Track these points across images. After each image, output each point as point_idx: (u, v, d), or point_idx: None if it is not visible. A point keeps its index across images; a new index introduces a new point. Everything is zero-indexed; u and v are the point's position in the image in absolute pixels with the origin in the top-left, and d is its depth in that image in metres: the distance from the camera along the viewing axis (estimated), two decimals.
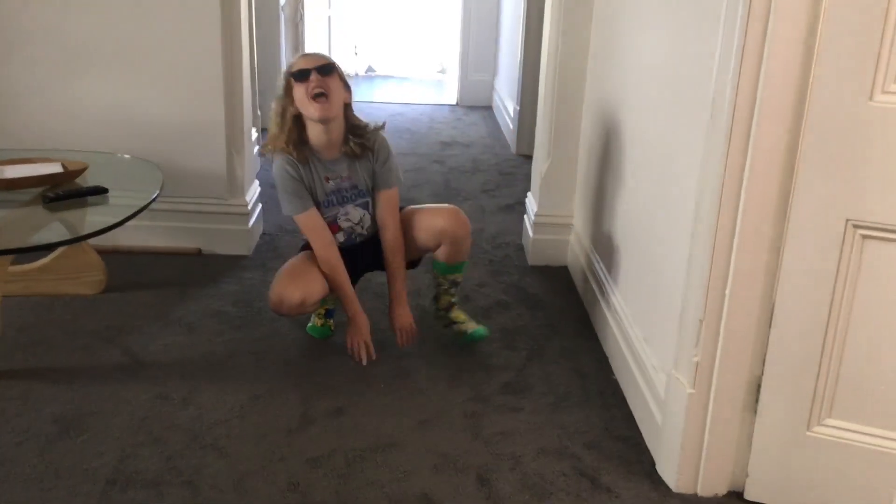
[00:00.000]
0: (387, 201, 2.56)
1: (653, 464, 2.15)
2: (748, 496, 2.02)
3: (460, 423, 2.30)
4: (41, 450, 2.07)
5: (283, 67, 6.03)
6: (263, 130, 4.98)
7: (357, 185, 2.54)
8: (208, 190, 3.33)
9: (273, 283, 2.50)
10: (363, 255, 2.62)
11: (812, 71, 1.73)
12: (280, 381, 2.45)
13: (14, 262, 2.70)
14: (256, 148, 3.93)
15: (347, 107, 2.49)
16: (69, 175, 2.70)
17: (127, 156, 3.09)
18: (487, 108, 6.91)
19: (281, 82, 2.46)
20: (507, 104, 5.93)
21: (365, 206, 2.58)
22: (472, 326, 2.69)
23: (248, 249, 3.40)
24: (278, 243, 3.54)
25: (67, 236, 2.50)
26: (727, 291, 1.90)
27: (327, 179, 2.50)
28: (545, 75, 3.36)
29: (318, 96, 2.37)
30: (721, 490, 2.05)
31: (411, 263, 2.71)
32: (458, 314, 2.70)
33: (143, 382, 2.40)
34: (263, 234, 3.61)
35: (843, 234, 1.79)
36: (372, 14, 8.87)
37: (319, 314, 2.69)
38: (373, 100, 7.21)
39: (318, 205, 2.50)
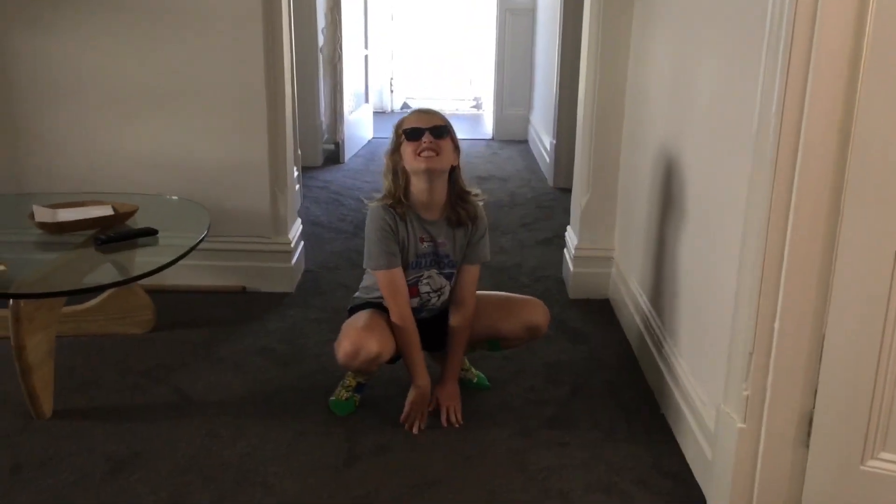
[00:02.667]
0: (471, 277, 2.47)
1: (703, 500, 2.13)
2: None
3: (506, 458, 2.30)
4: (96, 489, 2.10)
5: (323, 106, 6.09)
6: (303, 169, 5.06)
7: (449, 255, 2.43)
8: (252, 229, 3.38)
9: (343, 335, 2.36)
10: (421, 330, 2.45)
11: (856, 102, 1.73)
12: (325, 418, 2.46)
13: (66, 304, 2.76)
14: (297, 186, 3.99)
15: (455, 170, 2.39)
16: (120, 217, 2.77)
17: (175, 197, 3.16)
18: (523, 142, 6.95)
19: (392, 137, 2.39)
20: (543, 138, 5.97)
21: (449, 277, 2.47)
22: (474, 374, 2.70)
23: (291, 287, 3.44)
24: (320, 280, 3.58)
25: (119, 277, 2.56)
26: (776, 325, 1.89)
27: (422, 241, 2.39)
28: (583, 110, 3.38)
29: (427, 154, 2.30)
30: None
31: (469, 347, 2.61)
32: (465, 362, 2.69)
33: (192, 420, 2.43)
34: (306, 271, 3.65)
35: (893, 265, 1.78)
36: (407, 51, 8.99)
37: (348, 387, 2.52)
38: None
39: (405, 265, 2.39)
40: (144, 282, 2.78)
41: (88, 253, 2.63)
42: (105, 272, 2.64)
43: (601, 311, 3.32)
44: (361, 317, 2.41)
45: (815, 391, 1.92)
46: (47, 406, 2.43)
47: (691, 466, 2.27)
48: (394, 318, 2.38)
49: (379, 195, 2.41)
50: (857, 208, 1.77)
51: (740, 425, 1.97)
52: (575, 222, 3.52)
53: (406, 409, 2.43)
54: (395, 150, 2.36)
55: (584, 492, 2.16)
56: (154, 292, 3.11)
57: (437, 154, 2.29)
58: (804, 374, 1.92)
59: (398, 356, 2.46)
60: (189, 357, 2.84)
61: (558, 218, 4.54)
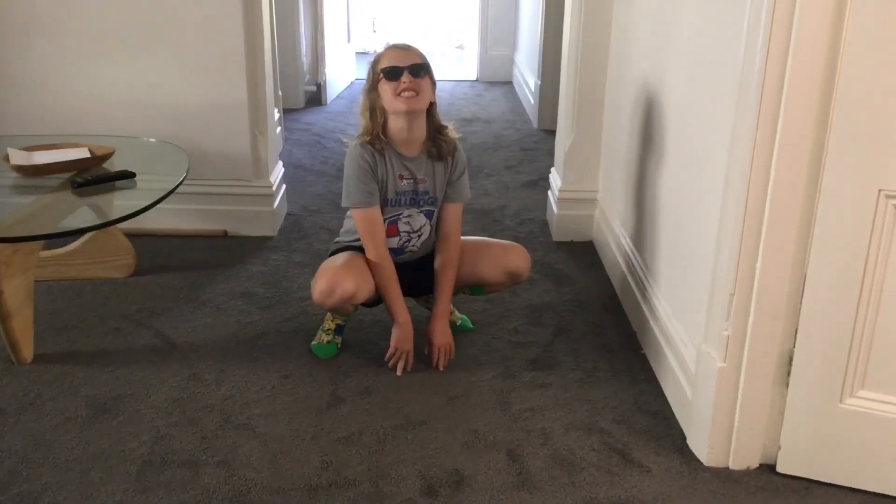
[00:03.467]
0: (454, 214, 2.46)
1: (683, 438, 2.16)
2: (781, 469, 2.02)
3: (489, 399, 2.31)
4: (78, 433, 2.10)
5: (304, 47, 5.95)
6: (284, 111, 4.99)
7: (429, 192, 2.41)
8: (233, 172, 3.34)
9: (319, 273, 2.37)
10: (404, 275, 2.45)
11: (842, 41, 1.70)
12: (308, 361, 2.46)
13: (44, 247, 2.73)
14: (279, 129, 3.93)
15: (432, 105, 2.36)
16: (97, 160, 2.72)
17: (152, 139, 3.11)
18: (507, 84, 6.88)
19: (368, 74, 2.34)
20: (528, 79, 5.90)
21: (429, 216, 2.45)
22: (458, 317, 2.70)
23: (273, 230, 3.42)
24: (303, 224, 3.55)
25: (97, 221, 2.52)
26: (758, 265, 1.89)
27: (401, 178, 2.36)
28: (567, 50, 3.33)
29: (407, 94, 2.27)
30: (753, 463, 2.05)
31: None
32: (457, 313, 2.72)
33: (175, 364, 2.43)
34: (288, 214, 3.62)
35: (875, 204, 1.77)
36: None
37: (328, 330, 2.51)
38: None
39: (384, 202, 2.38)
40: (124, 225, 2.76)
41: (65, 196, 2.59)
42: (83, 215, 2.60)
43: (585, 252, 3.32)
44: (339, 257, 2.40)
45: (796, 330, 1.93)
46: (28, 351, 2.42)
47: (672, 405, 2.29)
48: (370, 256, 2.37)
49: (357, 134, 2.39)
50: (842, 146, 1.76)
51: (720, 364, 1.98)
52: (559, 164, 3.50)
53: (391, 348, 2.43)
54: (373, 88, 2.31)
55: (566, 431, 2.18)
56: (134, 236, 3.07)
57: (417, 94, 2.25)
58: (785, 313, 1.93)
59: (377, 300, 2.46)
60: (171, 301, 2.82)
61: (543, 160, 4.51)
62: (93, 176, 2.64)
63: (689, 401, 2.15)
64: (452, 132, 2.42)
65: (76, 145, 2.79)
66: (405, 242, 2.46)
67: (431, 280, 2.49)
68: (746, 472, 2.03)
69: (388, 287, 2.39)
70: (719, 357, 1.98)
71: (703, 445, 2.06)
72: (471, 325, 2.69)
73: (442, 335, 2.45)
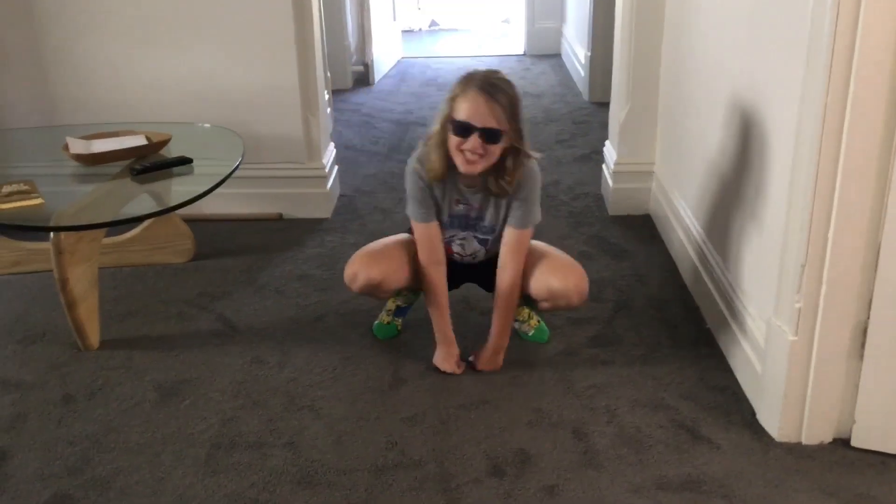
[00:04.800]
0: (515, 241, 2.22)
1: (753, 413, 2.11)
2: (856, 443, 1.97)
3: (552, 377, 2.29)
4: (146, 417, 2.13)
5: (351, 26, 5.91)
6: (334, 92, 4.99)
7: (484, 219, 2.24)
8: (286, 155, 3.35)
9: (353, 257, 2.32)
10: (469, 270, 2.39)
11: None
12: (369, 342, 2.46)
13: (106, 235, 2.76)
14: (329, 110, 3.93)
15: (510, 151, 2.12)
16: (154, 147, 2.75)
17: (207, 125, 3.12)
18: (556, 56, 6.78)
19: (443, 106, 2.11)
20: (577, 51, 5.81)
21: (484, 243, 2.30)
22: (532, 326, 2.46)
23: (327, 212, 3.42)
24: (357, 204, 3.55)
25: (157, 207, 2.55)
26: (830, 235, 1.83)
27: (457, 202, 2.22)
28: (621, 20, 3.26)
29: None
30: (826, 438, 2.00)
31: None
32: (523, 310, 2.45)
33: (238, 347, 2.45)
34: (342, 195, 3.62)
35: None
36: None
37: (389, 311, 2.46)
38: (438, 54, 7.15)
39: (438, 220, 2.25)
40: (181, 211, 2.77)
41: (125, 183, 2.61)
42: (143, 202, 2.62)
43: (642, 226, 3.26)
44: (379, 242, 2.36)
45: (870, 302, 1.87)
46: (94, 337, 2.46)
47: (740, 380, 2.24)
48: (423, 269, 2.25)
49: (423, 142, 2.21)
50: None
51: (792, 338, 1.93)
52: (613, 137, 3.44)
53: (436, 364, 2.30)
54: (443, 123, 2.11)
55: (632, 408, 2.14)
56: (191, 221, 3.10)
57: (482, 157, 2.06)
58: (858, 284, 1.87)
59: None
60: (230, 285, 2.84)
61: (595, 133, 4.45)
62: (151, 163, 2.66)
63: (758, 375, 2.10)
64: (524, 171, 2.17)
65: (133, 133, 2.82)
66: (459, 259, 2.36)
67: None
68: (820, 447, 1.98)
69: (431, 299, 2.28)
70: (791, 330, 1.93)
71: (775, 420, 2.01)
72: (545, 338, 2.46)
73: (490, 363, 2.31)
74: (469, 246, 2.31)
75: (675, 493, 1.84)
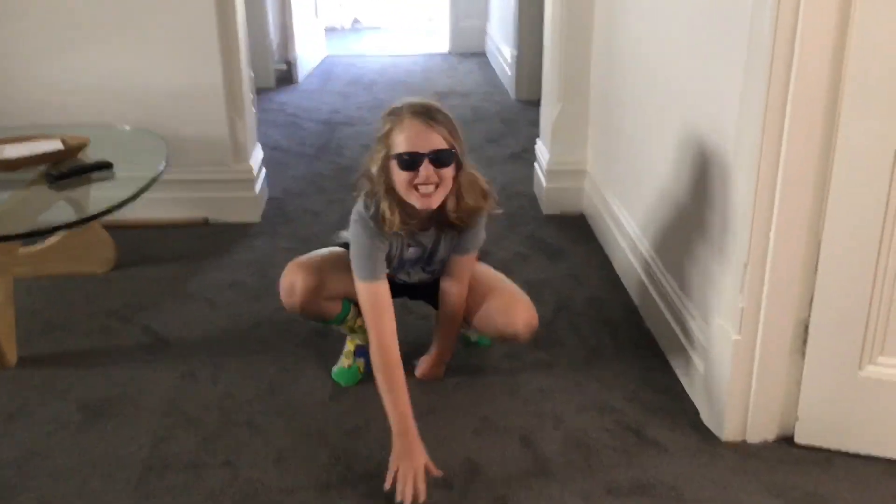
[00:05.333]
0: (460, 267, 2.09)
1: (697, 413, 2.11)
2: (799, 440, 1.98)
3: (496, 383, 2.25)
4: (72, 439, 2.01)
5: (272, 24, 5.76)
6: (257, 91, 4.86)
7: (437, 254, 2.08)
8: (211, 157, 3.23)
9: (287, 268, 2.11)
10: (411, 289, 2.24)
11: None
12: (306, 352, 2.38)
13: (21, 245, 2.61)
14: (254, 110, 3.81)
15: (459, 178, 1.92)
16: (71, 151, 2.60)
17: (127, 127, 2.98)
18: (481, 55, 6.77)
19: (379, 139, 1.89)
20: (502, 49, 5.80)
21: (432, 273, 2.17)
22: (476, 334, 2.40)
23: (256, 216, 3.32)
24: (286, 207, 3.45)
25: (77, 215, 2.40)
26: (772, 234, 1.83)
27: (408, 246, 2.04)
28: (550, 18, 3.24)
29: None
30: (770, 436, 2.01)
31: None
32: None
33: (167, 361, 2.33)
34: (270, 198, 3.52)
35: (892, 166, 1.72)
36: None
37: (348, 352, 2.28)
38: (363, 53, 7.06)
39: (387, 263, 2.03)
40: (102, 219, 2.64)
41: (41, 191, 2.47)
42: (61, 210, 2.49)
43: (577, 226, 3.26)
44: (313, 253, 2.16)
45: (811, 299, 1.88)
46: (11, 354, 2.31)
47: (682, 381, 2.24)
48: (372, 348, 1.91)
49: (363, 194, 1.97)
50: (855, 107, 1.70)
51: (735, 337, 1.93)
52: (545, 135, 3.42)
53: (391, 468, 1.81)
54: (382, 164, 1.88)
55: (578, 412, 2.12)
56: (111, 229, 2.96)
57: (438, 186, 1.85)
58: (800, 282, 1.88)
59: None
60: (157, 295, 2.72)
61: (524, 131, 4.44)
62: (68, 168, 2.52)
63: (701, 375, 2.10)
64: (481, 203, 1.98)
65: (47, 137, 2.67)
66: (402, 282, 2.21)
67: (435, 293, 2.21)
68: (765, 446, 1.99)
69: (388, 385, 1.88)
70: (734, 329, 1.93)
71: (719, 420, 2.02)
72: (489, 341, 2.42)
73: (430, 374, 2.25)
74: (415, 276, 2.18)
75: (626, 497, 1.82)
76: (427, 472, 1.82)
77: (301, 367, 2.31)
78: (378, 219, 1.92)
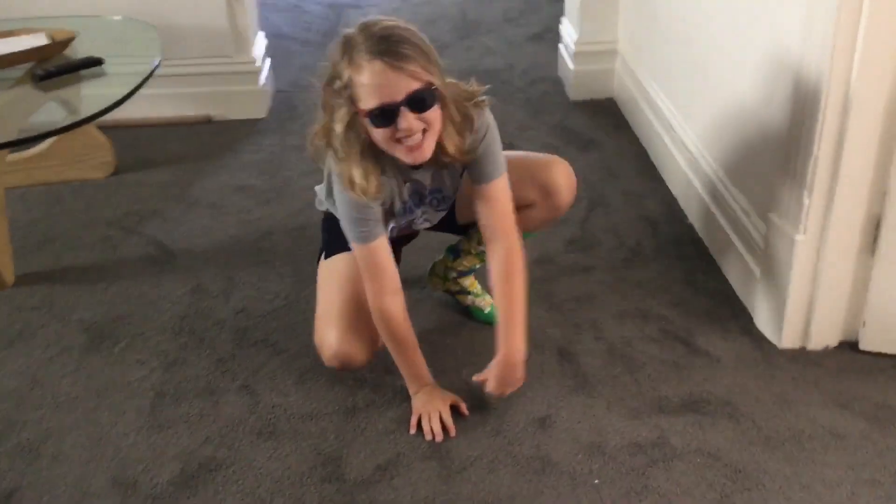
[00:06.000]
0: (492, 199, 1.64)
1: (750, 319, 1.95)
2: (865, 346, 1.82)
3: (530, 290, 2.07)
4: (76, 365, 1.87)
5: None
6: None
7: (441, 189, 1.70)
8: (211, 48, 2.98)
9: (319, 323, 1.70)
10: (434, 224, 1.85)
11: None
12: None
13: (11, 150, 2.42)
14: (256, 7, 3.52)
15: (444, 106, 1.53)
16: (57, 47, 2.37)
17: (117, 17, 2.73)
18: None
19: (331, 103, 1.53)
20: None
21: (448, 208, 1.78)
22: (489, 303, 1.96)
23: (263, 111, 3.09)
24: (294, 101, 3.21)
25: (68, 118, 2.20)
26: (849, 123, 1.61)
27: (405, 181, 1.65)
28: None
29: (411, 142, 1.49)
30: (832, 342, 1.85)
31: (464, 227, 1.88)
32: (474, 282, 1.99)
33: (175, 275, 2.17)
34: (278, 91, 3.28)
35: None
36: None
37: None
38: None
39: (390, 214, 1.69)
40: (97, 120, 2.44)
41: (27, 91, 2.27)
42: (51, 112, 2.30)
43: (608, 112, 3.02)
44: (333, 292, 1.71)
45: (886, 191, 1.68)
46: (7, 273, 2.15)
47: (731, 282, 2.07)
48: (374, 310, 1.63)
49: (331, 163, 1.62)
50: None
51: (799, 237, 1.74)
52: (572, 13, 3.14)
53: (413, 416, 1.68)
54: (350, 126, 1.50)
55: (619, 320, 1.96)
56: (107, 129, 2.74)
57: (426, 131, 1.49)
58: (873, 174, 1.67)
59: None
60: (160, 201, 2.53)
61: (546, 8, 4.11)
62: (55, 66, 2.30)
63: (755, 277, 1.92)
64: (477, 122, 1.58)
65: (31, 30, 2.43)
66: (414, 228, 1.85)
67: (451, 217, 1.83)
68: (825, 353, 1.84)
69: (399, 351, 1.68)
70: (797, 229, 1.74)
71: (777, 326, 1.85)
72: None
73: (503, 382, 1.67)
74: (434, 216, 1.78)
75: (678, 415, 1.68)
76: (456, 410, 1.68)
77: None
78: (350, 189, 1.54)
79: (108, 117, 2.31)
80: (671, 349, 1.86)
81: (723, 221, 2.11)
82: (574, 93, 3.13)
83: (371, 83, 1.43)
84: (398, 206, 1.67)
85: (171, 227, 2.39)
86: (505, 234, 1.64)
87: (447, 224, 1.84)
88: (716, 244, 2.16)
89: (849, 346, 1.84)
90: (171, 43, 2.74)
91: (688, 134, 2.38)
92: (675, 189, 2.46)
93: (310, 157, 1.64)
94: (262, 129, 2.98)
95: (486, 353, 1.69)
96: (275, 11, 4.29)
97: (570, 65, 3.11)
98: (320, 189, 1.82)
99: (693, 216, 2.32)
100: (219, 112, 3.06)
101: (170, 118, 3.03)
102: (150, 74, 2.33)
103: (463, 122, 1.56)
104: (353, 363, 1.68)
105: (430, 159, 1.56)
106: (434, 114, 1.49)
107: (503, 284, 1.65)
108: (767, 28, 1.84)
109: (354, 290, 1.67)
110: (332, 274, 1.74)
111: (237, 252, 2.26)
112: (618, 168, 2.65)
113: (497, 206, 1.64)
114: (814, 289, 1.78)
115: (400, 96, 1.43)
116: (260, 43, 3.19)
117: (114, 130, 2.80)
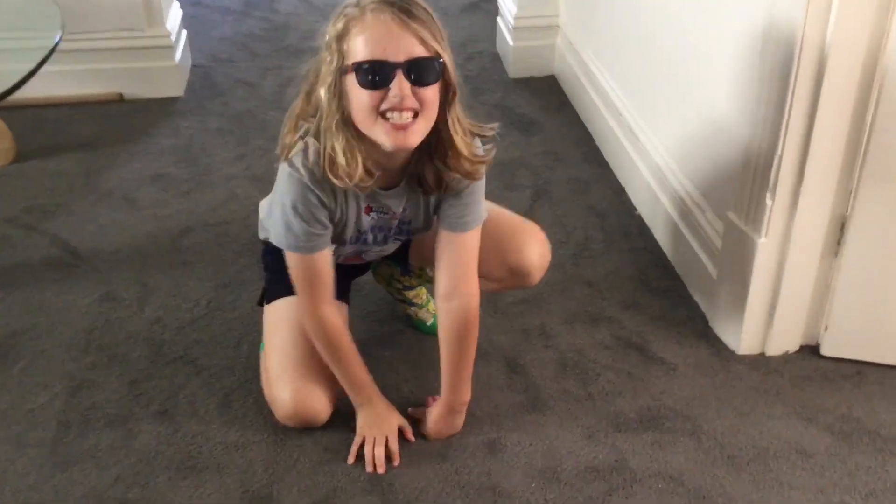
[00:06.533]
0: (461, 251, 1.44)
1: (706, 321, 1.84)
2: (827, 352, 1.73)
3: None
4: None
5: None
6: None
7: (410, 222, 1.49)
8: (120, 20, 2.72)
9: (270, 376, 1.52)
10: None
11: None
12: (248, 260, 2.02)
13: None
14: None
15: (448, 108, 1.31)
16: None
17: None
18: None
19: (327, 41, 1.28)
20: None
21: (406, 240, 1.58)
22: (433, 313, 1.78)
23: (179, 89, 2.85)
24: (214, 77, 2.98)
25: None
26: (816, 119, 1.50)
27: (368, 210, 1.43)
28: None
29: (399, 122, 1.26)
30: (792, 347, 1.76)
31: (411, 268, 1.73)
32: (419, 293, 1.81)
33: (82, 281, 1.96)
34: (194, 66, 3.04)
35: None
36: None
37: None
38: None
39: (339, 240, 1.46)
40: None
41: None
42: None
43: (550, 91, 2.87)
44: (289, 349, 1.51)
45: (853, 191, 1.58)
46: None
47: (685, 281, 1.96)
48: (305, 318, 1.46)
49: (301, 133, 1.36)
50: None
51: (761, 239, 1.63)
52: None
53: (356, 438, 1.52)
54: (334, 82, 1.27)
55: (570, 324, 1.84)
56: (5, 111, 2.49)
57: (418, 114, 1.26)
58: (840, 170, 1.57)
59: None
60: (66, 193, 2.30)
61: None
62: None
63: (711, 277, 1.82)
64: (473, 158, 1.36)
65: None
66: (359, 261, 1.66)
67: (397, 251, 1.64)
68: (786, 359, 1.75)
69: (338, 360, 1.48)
70: (759, 231, 1.63)
71: (735, 331, 1.75)
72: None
73: (441, 427, 1.55)
74: (389, 248, 1.59)
75: (636, 434, 1.56)
76: (401, 434, 1.53)
77: (244, 279, 1.96)
78: (324, 166, 1.31)
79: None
80: (625, 357, 1.75)
81: (675, 216, 2.00)
82: (513, 70, 2.97)
83: (371, 33, 1.23)
84: (351, 231, 1.45)
85: (77, 223, 2.17)
86: (467, 293, 1.46)
87: (395, 256, 1.66)
88: (668, 239, 2.05)
89: (809, 350, 1.76)
90: (76, 16, 2.48)
91: (635, 119, 2.25)
92: (623, 176, 2.34)
93: (279, 152, 1.39)
94: (180, 110, 2.75)
95: (428, 366, 1.56)
96: None
97: (510, 40, 2.95)
98: (265, 205, 1.59)
99: (642, 207, 2.21)
100: (131, 90, 2.81)
101: (77, 97, 2.77)
102: (52, 51, 2.08)
103: (470, 132, 1.36)
104: (313, 420, 1.51)
105: (414, 180, 1.39)
106: (433, 94, 1.26)
107: (456, 345, 1.49)
108: (729, 11, 1.71)
109: (309, 342, 1.48)
110: (280, 323, 1.55)
111: (152, 252, 2.06)
112: (562, 152, 2.51)
113: (464, 258, 1.45)
114: (775, 293, 1.68)
115: (400, 57, 1.22)
116: (175, 14, 2.94)
117: (13, 112, 2.55)
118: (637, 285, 1.96)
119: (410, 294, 1.80)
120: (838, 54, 1.44)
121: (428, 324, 1.81)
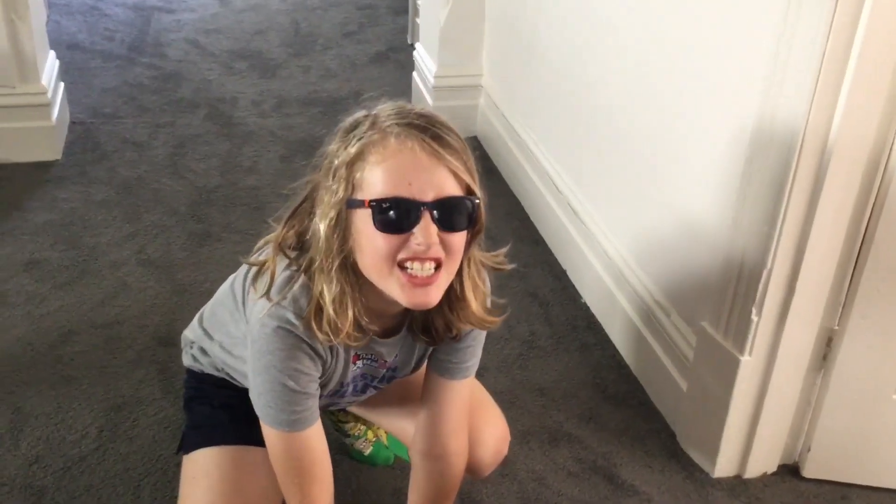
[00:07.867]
0: (455, 400, 1.21)
1: (672, 436, 1.67)
2: (808, 473, 1.58)
3: None
4: None
5: None
6: None
7: (396, 369, 1.23)
8: None
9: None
10: None
11: None
12: (146, 371, 1.72)
13: None
14: (45, 15, 2.90)
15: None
16: None
17: None
18: None
19: (332, 166, 1.03)
20: None
21: (391, 381, 1.28)
22: (371, 442, 1.56)
23: (56, 152, 2.50)
24: (96, 136, 2.64)
25: None
26: (812, 229, 1.34)
27: (356, 359, 1.17)
28: None
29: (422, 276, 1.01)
30: (771, 467, 1.60)
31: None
32: (356, 426, 1.55)
33: None
34: (74, 123, 2.68)
35: None
36: None
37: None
38: None
39: (321, 388, 1.15)
40: None
41: None
42: None
43: (474, 156, 2.66)
44: (203, 479, 1.22)
45: (843, 306, 1.44)
46: None
47: (644, 385, 1.78)
48: (291, 494, 1.14)
49: (287, 277, 1.07)
50: None
51: (744, 358, 1.46)
52: (430, 41, 2.77)
53: None
54: (339, 218, 1.02)
55: (525, 445, 1.62)
56: None
57: (441, 265, 1.01)
58: (831, 285, 1.42)
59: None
60: None
61: (386, 22, 3.72)
62: None
63: (679, 390, 1.64)
64: (484, 318, 1.13)
65: None
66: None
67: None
68: (764, 481, 1.59)
69: None
70: (742, 349, 1.46)
71: (709, 450, 1.58)
72: (390, 459, 1.57)
73: None
74: (358, 400, 1.34)
75: None
76: None
77: (141, 398, 1.66)
78: (313, 322, 1.03)
79: None
80: (592, 487, 1.54)
81: (633, 315, 1.82)
82: None
83: (394, 164, 0.99)
84: (334, 383, 1.17)
85: None
86: (455, 453, 1.22)
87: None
88: (624, 339, 1.87)
89: (788, 470, 1.60)
90: None
91: (580, 202, 2.07)
92: (564, 258, 2.16)
93: (252, 283, 1.10)
94: (58, 177, 2.40)
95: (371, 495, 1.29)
96: (67, 15, 3.63)
97: (429, 100, 2.74)
98: (210, 317, 1.29)
99: (589, 295, 2.02)
100: (0, 155, 2.44)
101: None
102: None
103: (476, 286, 1.12)
104: None
105: (418, 327, 1.14)
106: (460, 240, 1.02)
107: (441, 494, 1.25)
108: (712, 103, 1.55)
109: (230, 480, 1.20)
110: (197, 480, 1.23)
111: (26, 364, 1.73)
112: (492, 228, 2.28)
113: (458, 410, 1.21)
114: (757, 413, 1.52)
115: (429, 195, 0.98)
116: (50, 66, 2.59)
117: None
118: (593, 392, 1.77)
119: (347, 426, 1.54)
120: (841, 155, 1.29)
121: (366, 454, 1.55)
